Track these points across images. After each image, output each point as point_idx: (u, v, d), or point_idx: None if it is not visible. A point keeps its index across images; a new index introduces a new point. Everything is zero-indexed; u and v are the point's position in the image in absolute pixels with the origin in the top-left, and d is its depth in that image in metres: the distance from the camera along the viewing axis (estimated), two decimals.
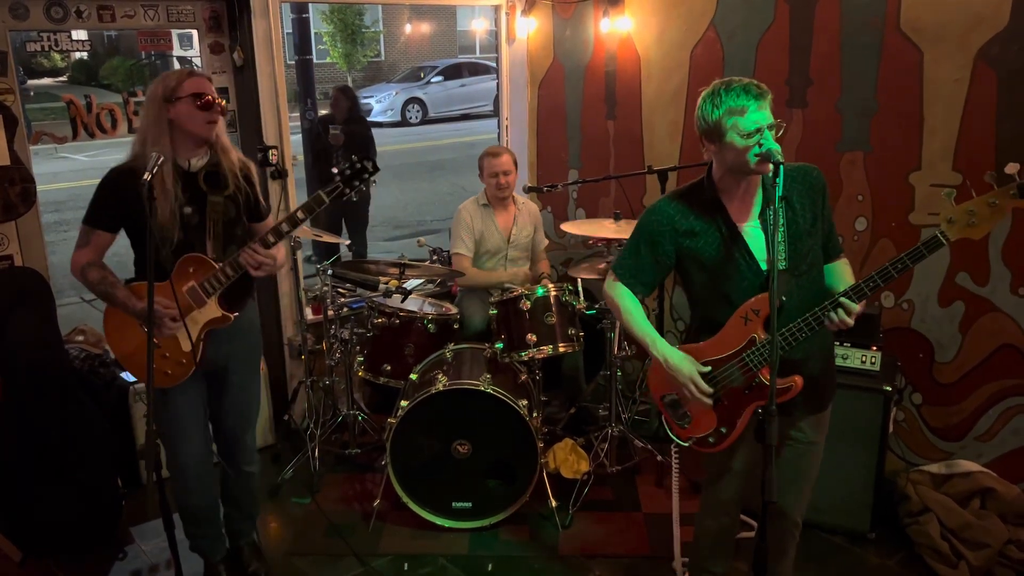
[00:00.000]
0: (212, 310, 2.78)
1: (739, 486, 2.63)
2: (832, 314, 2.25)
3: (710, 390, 2.40)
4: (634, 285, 2.51)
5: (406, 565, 3.37)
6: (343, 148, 6.74)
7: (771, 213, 2.16)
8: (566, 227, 4.19)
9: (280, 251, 2.83)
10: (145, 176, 2.37)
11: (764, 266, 2.33)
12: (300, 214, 2.73)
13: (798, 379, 2.33)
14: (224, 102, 2.76)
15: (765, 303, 2.31)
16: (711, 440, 2.51)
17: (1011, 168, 2.02)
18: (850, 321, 2.24)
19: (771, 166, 2.16)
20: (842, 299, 2.23)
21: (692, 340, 2.51)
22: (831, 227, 2.47)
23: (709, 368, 2.41)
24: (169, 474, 3.01)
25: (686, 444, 2.57)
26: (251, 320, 3.04)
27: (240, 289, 2.84)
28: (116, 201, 2.70)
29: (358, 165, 2.71)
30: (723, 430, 2.48)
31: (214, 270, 2.72)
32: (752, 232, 2.36)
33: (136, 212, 2.60)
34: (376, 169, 2.72)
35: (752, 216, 2.37)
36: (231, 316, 2.82)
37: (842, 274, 2.45)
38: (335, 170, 2.72)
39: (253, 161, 3.01)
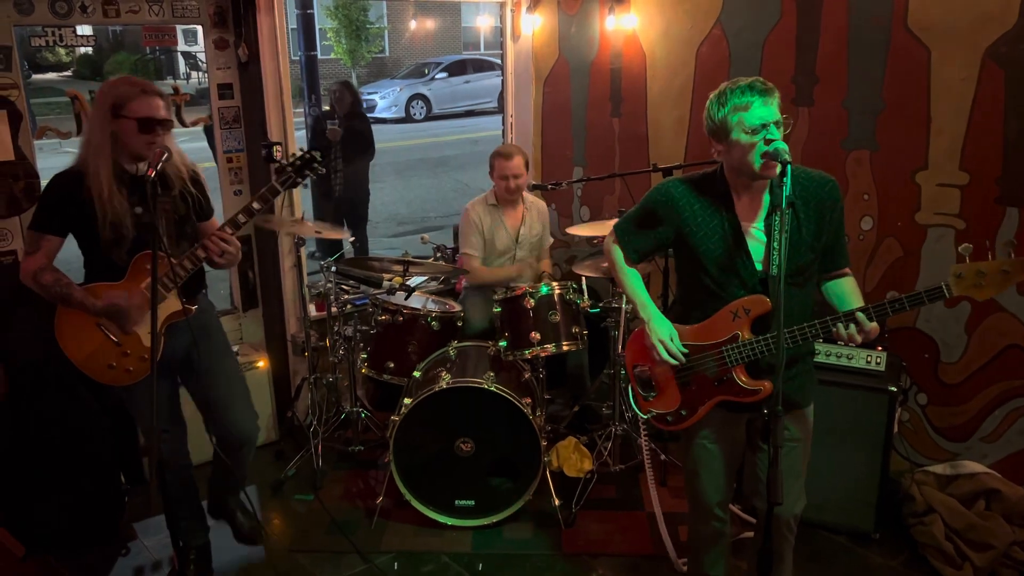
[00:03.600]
0: (172, 304, 2.83)
1: (722, 487, 2.62)
2: (842, 326, 2.25)
3: (679, 356, 2.43)
4: (627, 250, 2.58)
5: (408, 562, 3.37)
6: (341, 143, 6.71)
7: (777, 217, 2.19)
8: (572, 230, 4.18)
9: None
10: (148, 171, 2.40)
11: (759, 267, 2.35)
12: (256, 204, 2.88)
13: (768, 384, 2.37)
14: (172, 121, 2.83)
15: (758, 304, 2.35)
16: (669, 419, 2.57)
17: None
18: (859, 338, 2.25)
19: (778, 166, 2.15)
20: (859, 315, 2.22)
21: (675, 320, 2.53)
22: (839, 238, 2.44)
23: (687, 352, 2.45)
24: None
25: (645, 416, 2.64)
26: (204, 308, 3.09)
27: (194, 281, 2.94)
28: (64, 206, 2.74)
29: (307, 155, 2.92)
30: (683, 412, 2.53)
31: (172, 265, 2.78)
32: (754, 234, 2.36)
33: (85, 216, 2.69)
34: (323, 158, 2.97)
35: (758, 218, 2.37)
36: (192, 308, 2.89)
37: (849, 294, 2.43)
38: (284, 160, 2.96)
39: (255, 159, 3.06)
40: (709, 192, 2.40)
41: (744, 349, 2.37)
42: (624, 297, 3.62)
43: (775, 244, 2.26)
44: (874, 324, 2.23)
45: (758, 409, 2.45)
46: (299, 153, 2.93)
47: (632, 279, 2.58)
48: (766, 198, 2.36)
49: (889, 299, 2.20)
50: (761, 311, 2.34)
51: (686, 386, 2.51)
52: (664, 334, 2.45)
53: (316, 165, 2.92)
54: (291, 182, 2.91)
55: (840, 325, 2.25)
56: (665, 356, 2.44)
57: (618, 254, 2.60)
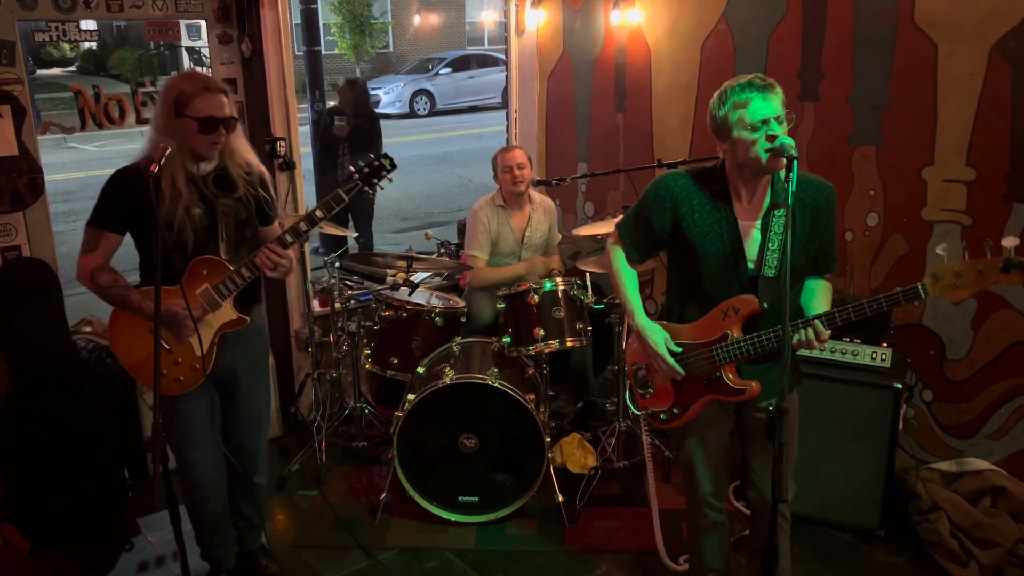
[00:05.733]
0: (227, 312, 2.73)
1: (715, 476, 2.62)
2: (802, 332, 2.26)
3: (680, 371, 2.44)
4: (628, 249, 2.57)
5: (412, 558, 3.37)
6: (348, 140, 6.72)
7: (774, 217, 2.21)
8: (576, 231, 4.16)
9: (293, 252, 2.79)
10: (152, 167, 2.36)
11: (751, 266, 2.35)
12: (319, 212, 2.68)
13: (755, 385, 2.39)
14: (235, 117, 2.67)
15: (747, 304, 2.36)
16: (663, 417, 2.59)
17: (1008, 242, 2.04)
18: (816, 345, 2.27)
19: (784, 161, 2.15)
20: (816, 322, 2.25)
21: (669, 319, 2.54)
22: (830, 243, 2.45)
23: (680, 349, 2.46)
24: (182, 482, 2.90)
25: (640, 413, 2.69)
26: (259, 326, 3.00)
27: (250, 292, 2.80)
28: (123, 202, 2.63)
29: (376, 163, 2.71)
30: (675, 411, 2.55)
31: (228, 272, 2.68)
32: (752, 233, 2.36)
33: (143, 215, 2.55)
34: (394, 166, 2.73)
35: (757, 216, 2.36)
36: (247, 318, 2.78)
37: (818, 296, 2.42)
38: (352, 168, 2.72)
39: (259, 154, 2.96)
40: (709, 187, 2.40)
41: (733, 348, 2.37)
42: None
43: (769, 244, 2.28)
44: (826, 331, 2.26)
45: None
46: (371, 158, 2.70)
47: (628, 283, 2.56)
48: (767, 199, 2.35)
49: (868, 299, 2.20)
50: (750, 310, 2.35)
51: (678, 385, 2.52)
52: (661, 346, 2.45)
53: (386, 173, 2.70)
54: (357, 190, 2.70)
55: (801, 331, 2.26)
56: (665, 369, 2.45)
57: (618, 255, 2.58)
